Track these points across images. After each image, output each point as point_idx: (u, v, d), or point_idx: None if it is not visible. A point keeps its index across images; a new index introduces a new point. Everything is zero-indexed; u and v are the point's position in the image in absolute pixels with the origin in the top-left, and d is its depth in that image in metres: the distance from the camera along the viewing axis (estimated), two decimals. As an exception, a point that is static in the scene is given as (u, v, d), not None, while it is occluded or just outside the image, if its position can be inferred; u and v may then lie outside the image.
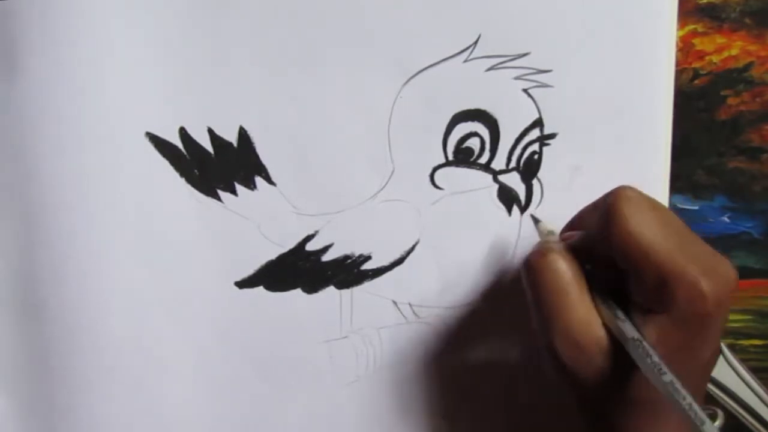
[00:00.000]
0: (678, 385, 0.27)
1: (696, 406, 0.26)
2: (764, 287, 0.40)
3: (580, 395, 0.31)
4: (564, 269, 0.30)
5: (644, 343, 0.28)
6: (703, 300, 0.28)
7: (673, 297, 0.28)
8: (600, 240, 0.30)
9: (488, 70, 0.35)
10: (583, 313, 0.30)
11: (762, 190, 0.39)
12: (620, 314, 0.29)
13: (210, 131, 0.35)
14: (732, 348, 0.40)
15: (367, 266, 0.37)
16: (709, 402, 0.40)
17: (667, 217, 0.29)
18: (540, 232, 0.35)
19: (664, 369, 0.27)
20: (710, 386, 0.40)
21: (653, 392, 0.28)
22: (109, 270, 0.36)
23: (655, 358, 0.28)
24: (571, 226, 0.35)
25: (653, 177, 0.36)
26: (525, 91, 0.35)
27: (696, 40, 0.37)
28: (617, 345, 0.29)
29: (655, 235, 0.28)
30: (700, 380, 0.31)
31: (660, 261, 0.28)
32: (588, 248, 0.31)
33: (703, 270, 0.28)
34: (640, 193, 0.30)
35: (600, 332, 0.29)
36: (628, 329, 0.29)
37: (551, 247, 0.31)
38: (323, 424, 0.39)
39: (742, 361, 0.40)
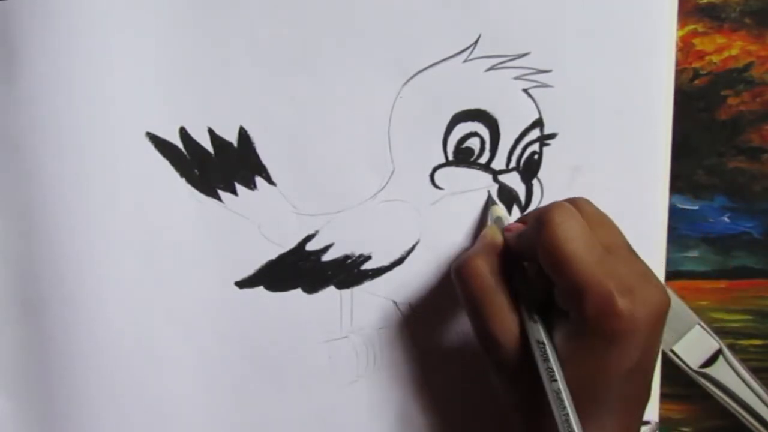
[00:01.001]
0: (564, 395, 0.28)
1: (573, 421, 0.28)
2: (764, 287, 0.40)
3: (509, 392, 0.32)
4: (484, 275, 0.32)
5: (546, 348, 0.30)
6: (615, 315, 0.28)
7: (583, 307, 0.29)
8: (528, 243, 0.31)
9: (488, 70, 0.35)
10: (501, 316, 0.31)
11: (762, 190, 0.39)
12: (535, 317, 0.31)
13: (210, 131, 0.35)
14: (732, 348, 0.40)
15: (367, 266, 0.37)
16: (709, 402, 0.40)
17: (606, 232, 0.31)
18: (490, 214, 0.36)
19: (556, 376, 0.29)
20: (710, 386, 0.40)
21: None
22: (109, 270, 0.36)
23: (551, 364, 0.29)
24: (522, 219, 0.36)
25: (653, 177, 0.36)
26: (525, 91, 0.35)
27: (696, 40, 0.37)
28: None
29: (578, 246, 0.29)
30: (615, 398, 0.30)
31: (576, 270, 0.29)
32: (518, 249, 0.33)
33: (622, 288, 0.29)
34: (574, 211, 0.31)
35: (517, 333, 0.31)
36: (535, 332, 0.30)
37: (473, 254, 0.33)
38: (323, 424, 0.39)
39: (742, 361, 0.40)
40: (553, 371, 0.29)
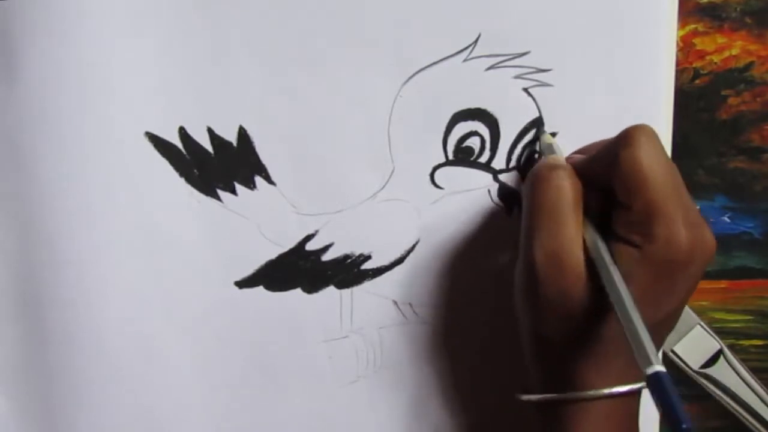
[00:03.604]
0: (638, 321, 0.27)
1: (650, 346, 0.26)
2: (765, 287, 0.40)
3: (539, 328, 0.31)
4: (567, 187, 0.30)
5: (617, 273, 0.28)
6: (679, 247, 0.29)
7: (653, 233, 0.29)
8: (604, 162, 0.30)
9: (488, 69, 0.35)
10: (571, 234, 0.30)
11: (762, 189, 0.39)
12: (601, 243, 0.30)
13: (210, 131, 0.35)
14: (732, 348, 0.40)
15: (367, 266, 0.37)
16: (710, 402, 0.40)
17: (673, 167, 0.30)
18: (540, 142, 0.35)
19: (627, 303, 0.27)
20: (710, 386, 0.40)
21: (616, 329, 0.29)
22: (108, 270, 0.36)
23: (621, 289, 0.28)
24: (581, 151, 0.35)
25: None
26: (525, 90, 0.35)
27: (696, 40, 0.37)
28: (592, 275, 0.29)
29: (659, 171, 0.29)
30: (656, 334, 0.30)
31: (653, 194, 0.29)
32: (586, 172, 0.31)
33: (688, 222, 0.29)
34: (657, 136, 0.30)
35: (581, 256, 0.30)
36: (608, 257, 0.29)
37: (560, 163, 0.32)
38: (323, 424, 0.39)
39: (743, 361, 0.40)
40: (630, 298, 0.27)
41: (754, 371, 0.40)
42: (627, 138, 0.29)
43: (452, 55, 0.35)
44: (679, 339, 0.39)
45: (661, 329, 0.31)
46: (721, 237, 0.39)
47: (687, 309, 0.39)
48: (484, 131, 0.36)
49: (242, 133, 0.35)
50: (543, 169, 0.31)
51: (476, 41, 0.35)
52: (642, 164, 0.29)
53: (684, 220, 0.29)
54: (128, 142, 0.35)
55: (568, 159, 0.33)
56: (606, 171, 0.30)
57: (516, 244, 0.35)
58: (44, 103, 0.34)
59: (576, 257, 0.30)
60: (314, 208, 0.36)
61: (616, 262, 0.29)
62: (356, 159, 0.36)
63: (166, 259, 0.37)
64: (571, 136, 0.36)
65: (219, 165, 0.36)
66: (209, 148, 0.36)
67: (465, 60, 0.35)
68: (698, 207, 0.30)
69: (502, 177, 0.36)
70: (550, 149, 0.34)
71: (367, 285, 0.37)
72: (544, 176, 0.31)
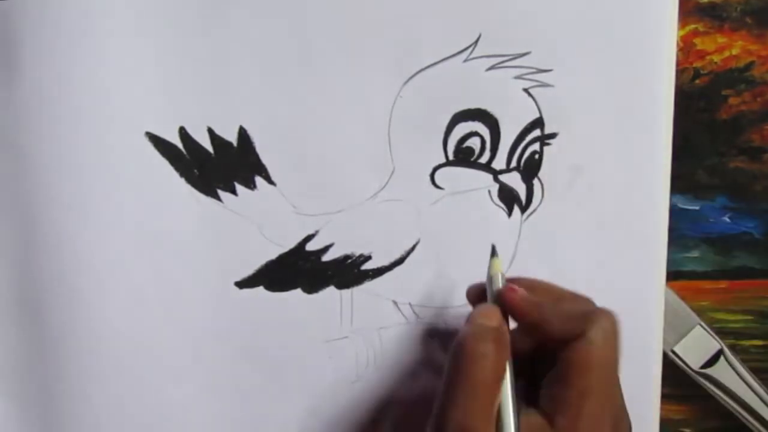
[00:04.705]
0: None
1: None
2: (765, 287, 0.40)
3: None
4: (489, 365, 0.29)
5: None
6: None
7: (577, 426, 0.28)
8: (556, 332, 0.30)
9: (488, 69, 0.35)
10: (485, 412, 0.29)
11: (763, 189, 0.39)
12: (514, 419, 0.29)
13: (210, 131, 0.35)
14: (733, 348, 0.40)
15: (368, 266, 0.37)
16: (710, 403, 0.40)
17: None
18: (490, 267, 0.34)
19: None
20: (710, 386, 0.40)
21: None
22: (108, 270, 0.36)
23: None
24: (526, 285, 0.33)
25: (653, 177, 0.36)
26: (525, 90, 0.35)
27: (697, 40, 0.37)
28: None
29: (608, 372, 0.29)
30: None
31: (595, 391, 0.28)
32: (530, 321, 0.31)
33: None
34: (617, 326, 0.30)
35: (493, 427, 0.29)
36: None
37: (488, 333, 0.30)
38: (323, 424, 0.39)
39: (743, 361, 0.40)
40: None
41: (754, 371, 0.40)
42: (584, 331, 0.29)
43: (452, 56, 0.35)
44: (679, 339, 0.39)
45: None
46: (722, 237, 0.39)
47: (687, 309, 0.39)
48: (485, 132, 0.36)
49: (242, 133, 0.35)
50: (467, 341, 0.30)
51: (476, 41, 0.35)
52: (593, 366, 0.29)
53: (610, 428, 0.29)
54: (128, 142, 0.35)
55: (511, 294, 0.31)
56: (555, 341, 0.30)
57: (515, 246, 0.35)
58: (44, 104, 0.34)
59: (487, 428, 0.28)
60: (314, 208, 0.36)
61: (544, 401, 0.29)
62: (356, 159, 0.36)
63: (165, 259, 0.37)
64: (571, 136, 0.36)
65: (219, 165, 0.36)
66: (209, 148, 0.36)
67: (465, 60, 0.35)
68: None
69: (502, 177, 0.36)
70: (494, 281, 0.33)
71: (367, 285, 0.37)
72: (467, 351, 0.29)
